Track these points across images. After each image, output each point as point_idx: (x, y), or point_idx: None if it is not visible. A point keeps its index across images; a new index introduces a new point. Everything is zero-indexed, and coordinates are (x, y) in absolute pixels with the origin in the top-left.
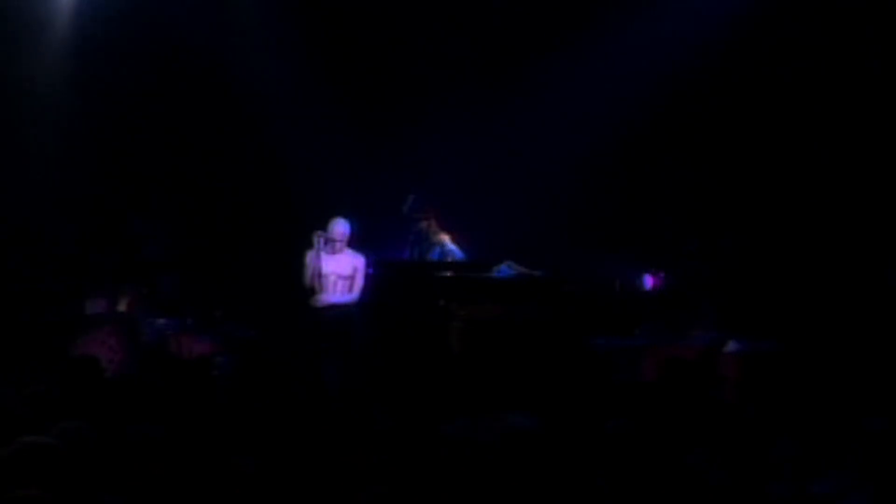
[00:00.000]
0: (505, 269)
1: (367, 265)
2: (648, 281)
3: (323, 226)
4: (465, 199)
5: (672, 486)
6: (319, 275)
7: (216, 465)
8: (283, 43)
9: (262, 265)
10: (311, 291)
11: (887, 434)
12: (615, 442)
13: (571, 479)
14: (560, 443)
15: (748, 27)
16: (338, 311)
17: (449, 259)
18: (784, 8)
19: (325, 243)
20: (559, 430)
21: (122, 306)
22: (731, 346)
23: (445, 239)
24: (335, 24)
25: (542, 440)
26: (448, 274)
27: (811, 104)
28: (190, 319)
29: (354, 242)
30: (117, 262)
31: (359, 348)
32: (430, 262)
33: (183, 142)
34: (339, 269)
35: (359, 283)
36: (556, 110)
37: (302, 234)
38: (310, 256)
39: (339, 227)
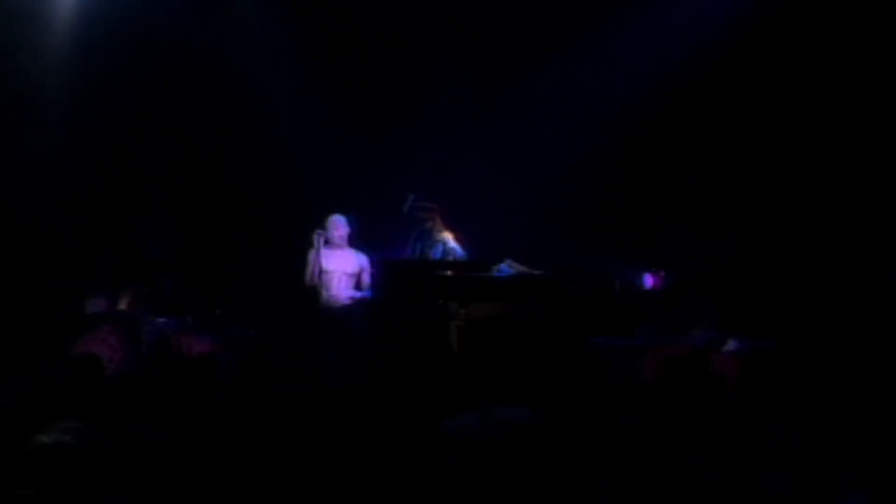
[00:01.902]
0: (505, 268)
1: (372, 264)
2: (648, 281)
3: (323, 225)
4: (465, 198)
5: (672, 484)
6: (321, 271)
7: (217, 464)
8: (284, 42)
9: (263, 264)
10: (314, 290)
11: (887, 434)
12: (616, 441)
13: (571, 479)
14: (559, 442)
15: (748, 26)
16: (338, 310)
17: (450, 258)
18: (785, 7)
19: (327, 243)
20: (559, 430)
21: (122, 306)
22: (730, 345)
23: (448, 237)
24: (336, 23)
25: (542, 440)
26: (448, 273)
27: (811, 104)
28: (190, 318)
29: (354, 240)
30: (118, 261)
31: (359, 347)
32: (430, 260)
33: (183, 141)
34: (342, 266)
35: (366, 281)
36: (557, 109)
37: (302, 233)
38: (311, 255)
39: (336, 224)
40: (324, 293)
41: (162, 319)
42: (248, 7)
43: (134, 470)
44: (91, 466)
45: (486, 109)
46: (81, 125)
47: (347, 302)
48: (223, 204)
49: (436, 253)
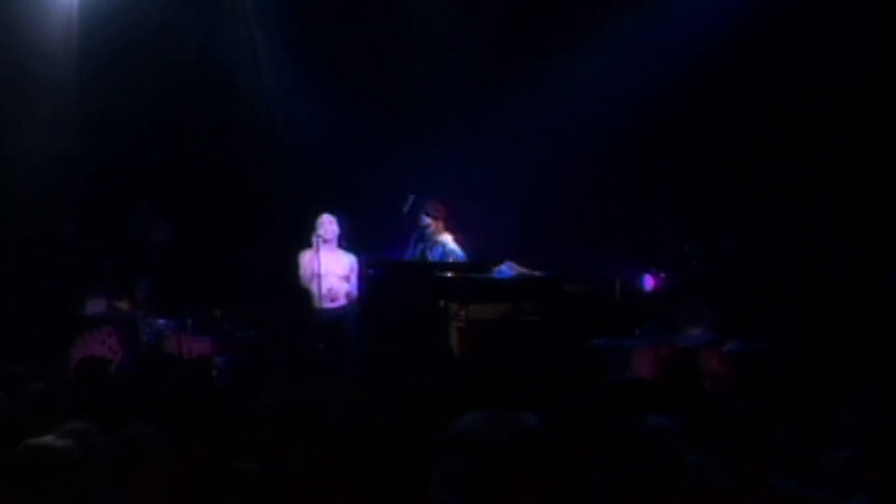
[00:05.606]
0: (505, 269)
1: (360, 264)
2: (648, 281)
3: (313, 224)
4: (465, 200)
5: (672, 484)
6: (317, 275)
7: (216, 465)
8: (285, 43)
9: (262, 265)
10: (308, 292)
11: (886, 433)
12: (617, 442)
13: (571, 479)
14: (560, 443)
15: (748, 26)
16: (336, 311)
17: (450, 259)
18: (785, 7)
19: (324, 243)
20: (559, 431)
21: (122, 306)
22: (730, 345)
23: (448, 239)
24: (336, 23)
25: (542, 440)
26: (448, 274)
27: (811, 104)
28: (190, 319)
29: (344, 240)
30: (117, 261)
31: (358, 349)
32: (430, 262)
33: (183, 141)
34: (335, 269)
35: (354, 282)
36: (557, 110)
37: (303, 234)
38: (307, 257)
39: (325, 223)
40: (316, 294)
41: (161, 320)
42: (247, 6)
43: (134, 470)
44: (91, 466)
45: (487, 109)
46: (81, 124)
47: (339, 304)
48: (223, 204)
49: (435, 255)
